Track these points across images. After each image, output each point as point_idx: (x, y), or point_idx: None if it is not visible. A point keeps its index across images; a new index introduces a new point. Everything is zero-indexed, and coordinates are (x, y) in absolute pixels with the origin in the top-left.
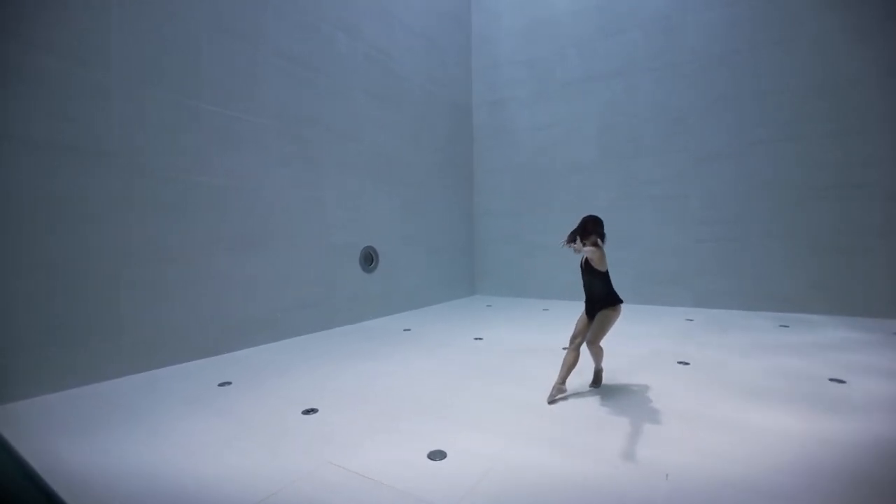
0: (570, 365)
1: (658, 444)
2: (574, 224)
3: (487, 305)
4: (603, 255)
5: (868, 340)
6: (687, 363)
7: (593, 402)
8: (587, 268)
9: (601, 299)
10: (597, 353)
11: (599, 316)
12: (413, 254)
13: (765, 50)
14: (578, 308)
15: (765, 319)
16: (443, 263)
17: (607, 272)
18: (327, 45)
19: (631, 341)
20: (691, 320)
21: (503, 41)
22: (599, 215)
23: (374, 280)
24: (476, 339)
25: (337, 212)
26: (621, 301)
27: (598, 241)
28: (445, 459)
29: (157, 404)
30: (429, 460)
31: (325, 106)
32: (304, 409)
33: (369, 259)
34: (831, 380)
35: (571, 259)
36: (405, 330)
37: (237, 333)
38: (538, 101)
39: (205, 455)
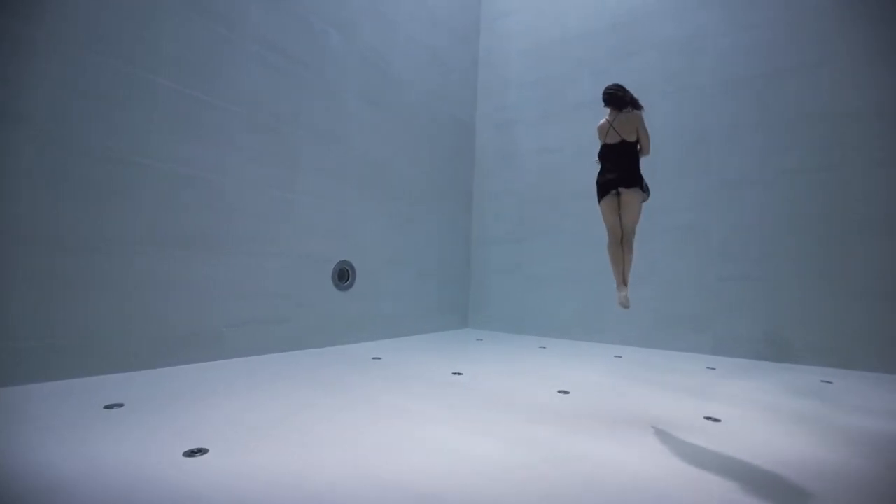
0: (619, 262)
1: None
2: (576, 256)
3: (478, 339)
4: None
5: None
6: (717, 420)
7: (594, 461)
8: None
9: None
10: (630, 253)
11: (631, 195)
12: (399, 276)
13: (794, 72)
14: (580, 347)
15: (801, 372)
16: (433, 290)
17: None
18: (318, 40)
19: (647, 389)
20: (713, 368)
21: (512, 61)
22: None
23: (350, 301)
24: (455, 373)
25: (312, 219)
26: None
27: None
28: None
29: None
30: None
31: (308, 103)
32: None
33: (344, 276)
34: None
35: (575, 293)
36: (374, 358)
37: (168, 347)
38: (547, 122)
39: None
